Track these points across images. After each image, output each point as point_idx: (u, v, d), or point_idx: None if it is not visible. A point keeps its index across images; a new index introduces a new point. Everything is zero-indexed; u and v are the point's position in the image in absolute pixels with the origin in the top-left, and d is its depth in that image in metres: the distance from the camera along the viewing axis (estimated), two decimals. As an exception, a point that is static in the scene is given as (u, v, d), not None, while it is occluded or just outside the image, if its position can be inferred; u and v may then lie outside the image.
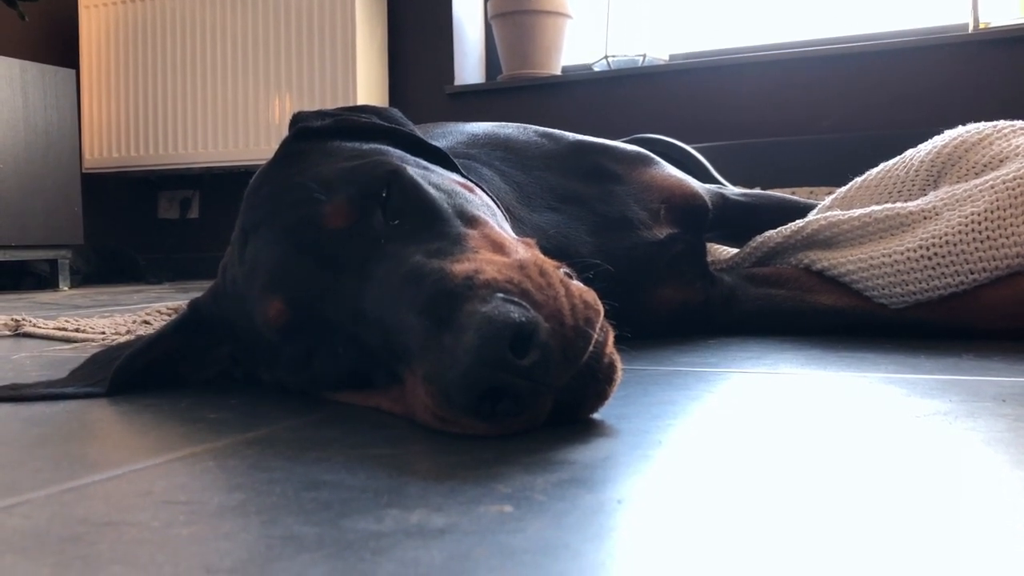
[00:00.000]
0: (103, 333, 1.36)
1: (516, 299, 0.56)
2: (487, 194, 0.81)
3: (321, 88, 3.17)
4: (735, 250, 1.29)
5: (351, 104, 2.68)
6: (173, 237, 3.78)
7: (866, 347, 0.98)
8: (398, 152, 0.79)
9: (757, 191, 1.50)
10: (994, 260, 0.99)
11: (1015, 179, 1.02)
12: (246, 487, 0.51)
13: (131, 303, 2.19)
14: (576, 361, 0.58)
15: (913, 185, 1.19)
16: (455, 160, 0.86)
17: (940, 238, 1.01)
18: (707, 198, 1.20)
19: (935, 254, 1.01)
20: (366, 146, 0.79)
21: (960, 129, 1.21)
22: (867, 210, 1.11)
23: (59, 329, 1.42)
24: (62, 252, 3.09)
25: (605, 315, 0.61)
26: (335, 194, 0.70)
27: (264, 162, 0.80)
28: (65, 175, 3.13)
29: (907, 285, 1.03)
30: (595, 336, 0.59)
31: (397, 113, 0.90)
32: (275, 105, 3.26)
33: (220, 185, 3.63)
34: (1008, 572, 0.35)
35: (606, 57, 3.08)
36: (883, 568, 0.36)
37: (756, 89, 2.79)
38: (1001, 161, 1.11)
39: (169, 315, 1.60)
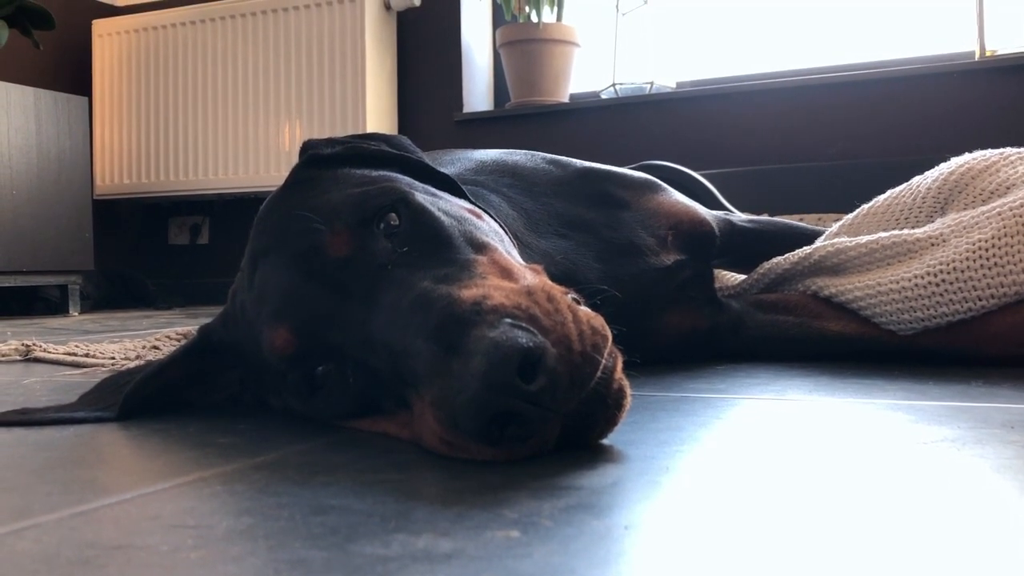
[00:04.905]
0: (113, 358, 1.36)
1: (524, 324, 0.57)
2: (495, 220, 0.82)
3: (331, 116, 3.19)
4: (742, 276, 1.29)
5: (360, 132, 2.70)
6: (183, 263, 3.80)
7: (874, 374, 0.97)
8: (407, 179, 0.80)
9: (764, 218, 1.51)
10: (1002, 287, 0.99)
11: (1022, 206, 1.02)
12: (254, 511, 0.51)
13: (141, 328, 2.19)
14: (584, 386, 0.58)
15: (920, 212, 1.19)
16: (463, 187, 0.86)
17: (947, 265, 1.02)
18: (714, 225, 1.20)
19: (943, 281, 1.01)
20: (375, 173, 0.79)
21: (967, 156, 1.21)
22: (874, 237, 1.12)
23: (69, 354, 1.42)
24: (72, 277, 3.10)
25: (613, 341, 0.62)
26: (342, 221, 0.70)
27: (274, 189, 0.81)
28: (77, 201, 3.15)
29: (915, 312, 1.03)
30: (603, 361, 0.59)
31: (406, 140, 0.91)
32: (285, 132, 3.29)
33: (230, 211, 3.65)
34: (1016, 599, 0.35)
35: (613, 85, 3.09)
36: (890, 594, 0.36)
37: (763, 116, 2.80)
38: (1008, 188, 1.11)
39: (179, 340, 1.61)
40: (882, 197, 1.26)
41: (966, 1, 2.67)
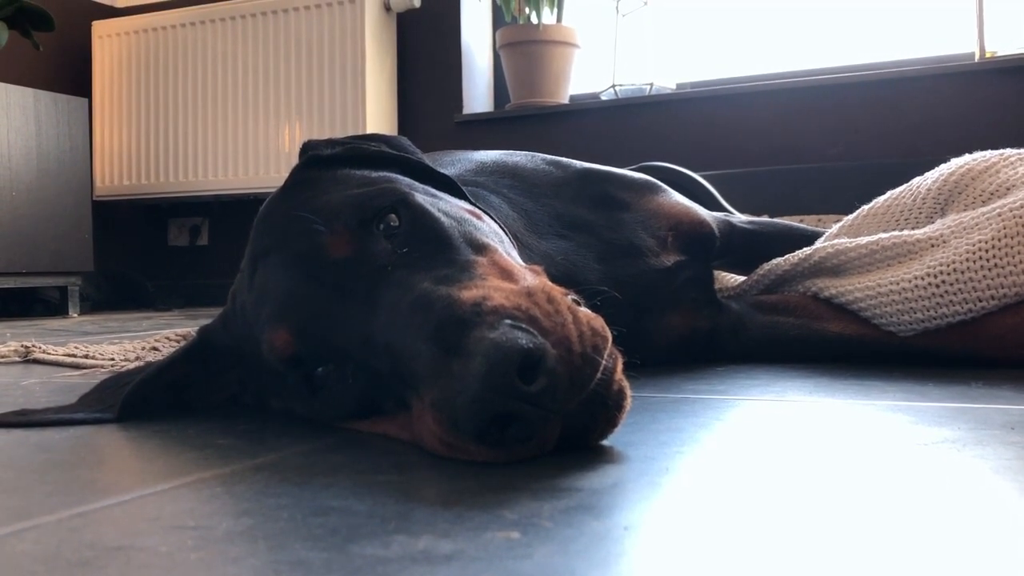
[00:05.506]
0: (112, 360, 1.36)
1: (524, 325, 0.57)
2: (495, 221, 0.82)
3: (331, 116, 3.19)
4: (742, 278, 1.29)
5: (360, 133, 2.69)
6: (183, 264, 3.80)
7: (874, 375, 0.97)
8: (407, 180, 0.80)
9: (764, 219, 1.51)
10: (1002, 288, 0.99)
11: (1022, 207, 1.02)
12: (254, 512, 0.51)
13: (140, 330, 2.19)
14: (584, 387, 0.58)
15: (920, 213, 1.19)
16: (463, 188, 0.86)
17: (948, 266, 1.02)
18: (714, 226, 1.20)
19: (943, 282, 1.01)
20: (375, 174, 0.79)
21: (967, 157, 1.21)
22: (874, 238, 1.12)
23: (68, 355, 1.42)
24: (72, 279, 3.10)
25: (613, 342, 0.62)
26: (342, 222, 0.70)
27: (274, 190, 0.81)
28: (76, 202, 3.15)
29: (915, 313, 1.03)
30: (603, 362, 0.59)
31: (406, 141, 0.91)
32: (285, 133, 3.29)
33: (230, 212, 3.65)
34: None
35: (613, 86, 3.09)
36: (891, 595, 0.36)
37: (763, 117, 2.80)
38: (1008, 189, 1.11)
39: (178, 342, 1.61)
40: (882, 198, 1.27)
41: (966, 2, 2.67)
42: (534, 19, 3.06)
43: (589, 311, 0.63)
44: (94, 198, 3.42)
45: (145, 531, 0.48)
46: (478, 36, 3.36)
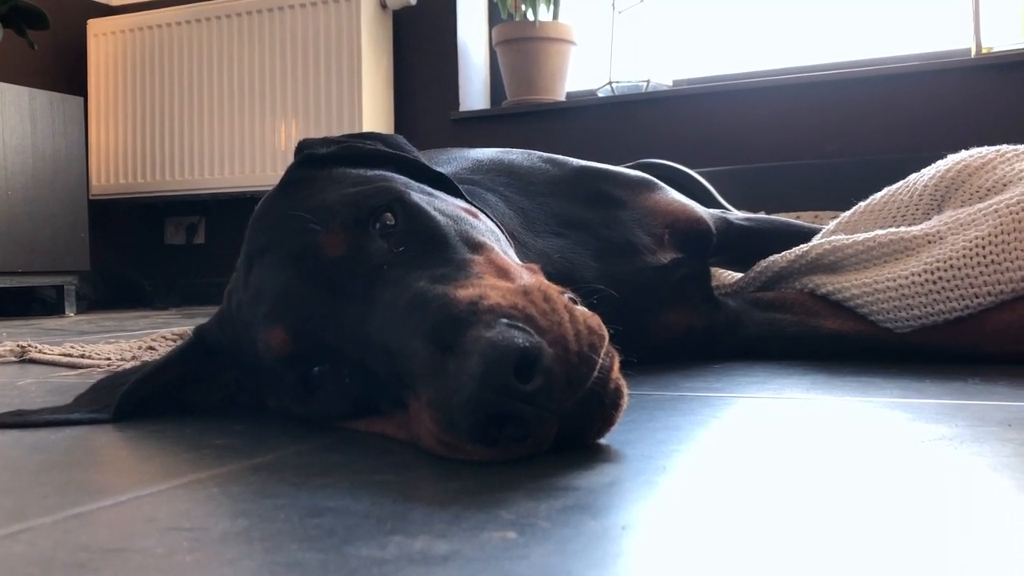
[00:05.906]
0: (108, 359, 1.36)
1: (520, 324, 0.56)
2: (491, 219, 0.82)
3: (327, 115, 3.19)
4: (739, 275, 1.29)
5: (356, 131, 2.69)
6: (179, 262, 3.80)
7: (871, 371, 0.97)
8: (402, 178, 0.79)
9: (761, 216, 1.51)
10: (999, 284, 0.99)
11: (1019, 203, 1.02)
12: (250, 513, 0.51)
13: (137, 329, 2.19)
14: (580, 386, 0.58)
15: (917, 209, 1.19)
16: (459, 186, 0.86)
17: (945, 262, 1.01)
18: (711, 223, 1.20)
19: (940, 278, 1.01)
20: (371, 172, 0.79)
21: (963, 153, 1.21)
22: (871, 234, 1.12)
23: (65, 355, 1.42)
24: (68, 278, 3.10)
25: (610, 340, 0.61)
26: (338, 221, 0.70)
27: (270, 188, 0.81)
28: (72, 201, 3.14)
29: (912, 309, 1.03)
30: (600, 361, 0.59)
31: (402, 140, 0.90)
32: (281, 132, 3.28)
33: (226, 211, 3.65)
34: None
35: (610, 83, 3.09)
36: (889, 595, 0.36)
37: (759, 114, 2.80)
38: (1004, 185, 1.11)
39: (174, 341, 1.60)
40: (879, 195, 1.26)
41: (962, -2, 2.67)
42: (530, 16, 3.05)
43: (586, 309, 0.62)
44: (90, 197, 3.42)
45: (141, 532, 0.48)
46: (474, 33, 3.35)
